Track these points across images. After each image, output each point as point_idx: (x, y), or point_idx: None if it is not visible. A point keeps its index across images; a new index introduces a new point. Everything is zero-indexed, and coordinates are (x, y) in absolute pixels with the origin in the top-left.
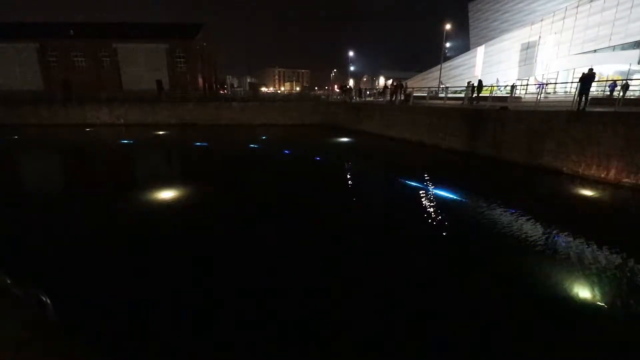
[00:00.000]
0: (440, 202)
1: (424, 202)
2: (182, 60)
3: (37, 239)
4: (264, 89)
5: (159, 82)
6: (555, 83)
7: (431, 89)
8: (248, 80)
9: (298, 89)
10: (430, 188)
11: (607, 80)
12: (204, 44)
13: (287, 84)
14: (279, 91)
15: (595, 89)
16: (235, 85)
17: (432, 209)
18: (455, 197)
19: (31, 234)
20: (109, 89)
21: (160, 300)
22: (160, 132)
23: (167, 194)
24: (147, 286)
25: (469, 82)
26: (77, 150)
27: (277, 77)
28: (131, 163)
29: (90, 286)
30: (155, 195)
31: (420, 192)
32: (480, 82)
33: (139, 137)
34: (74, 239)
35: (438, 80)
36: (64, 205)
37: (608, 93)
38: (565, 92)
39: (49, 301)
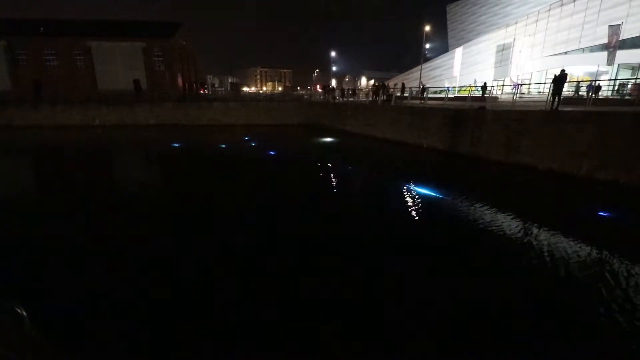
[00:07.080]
0: (417, 198)
1: (402, 199)
2: (161, 59)
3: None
4: (245, 89)
5: (136, 82)
6: (530, 83)
7: (413, 89)
8: (229, 80)
9: (280, 88)
10: (408, 185)
11: (584, 81)
12: (183, 42)
13: (270, 84)
14: (261, 91)
15: (567, 89)
16: (217, 85)
17: (409, 205)
18: (432, 194)
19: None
20: (83, 89)
21: (146, 307)
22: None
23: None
24: (130, 293)
25: (401, 84)
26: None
27: (259, 77)
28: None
29: (68, 295)
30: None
31: (398, 189)
32: (403, 84)
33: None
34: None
35: (419, 80)
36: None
37: (585, 93)
38: (539, 92)
39: (25, 313)
